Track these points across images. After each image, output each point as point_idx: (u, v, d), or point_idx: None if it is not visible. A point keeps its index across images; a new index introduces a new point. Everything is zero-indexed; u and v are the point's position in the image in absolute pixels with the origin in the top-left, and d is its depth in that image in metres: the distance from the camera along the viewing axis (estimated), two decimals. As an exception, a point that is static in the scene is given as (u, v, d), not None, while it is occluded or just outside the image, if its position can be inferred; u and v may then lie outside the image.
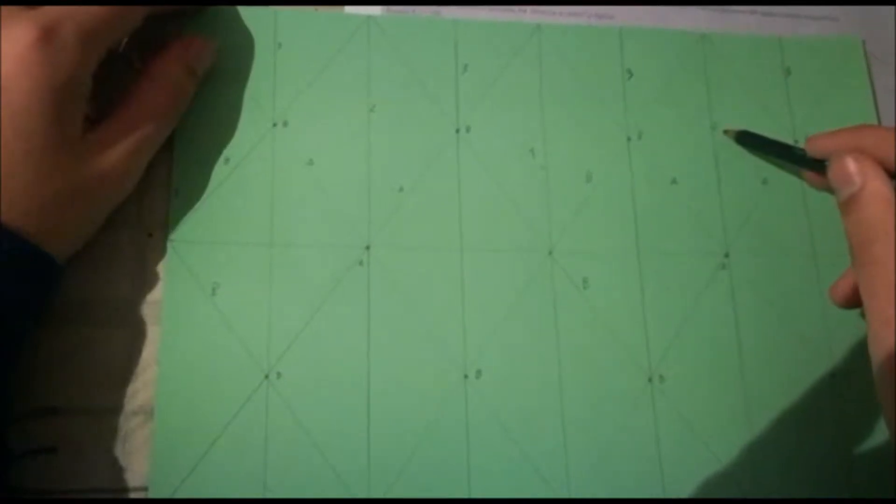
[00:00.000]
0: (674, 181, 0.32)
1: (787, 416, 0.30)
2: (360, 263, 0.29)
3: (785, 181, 0.32)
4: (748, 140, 0.32)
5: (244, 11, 0.31)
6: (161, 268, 0.28)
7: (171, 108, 0.28)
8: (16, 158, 0.24)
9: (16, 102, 0.24)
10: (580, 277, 0.30)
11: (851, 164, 0.26)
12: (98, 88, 0.26)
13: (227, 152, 0.29)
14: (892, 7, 0.36)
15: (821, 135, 0.29)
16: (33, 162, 0.24)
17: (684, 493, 0.28)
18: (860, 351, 0.31)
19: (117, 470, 0.26)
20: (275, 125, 0.30)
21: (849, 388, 0.30)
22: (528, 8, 0.33)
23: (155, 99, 0.27)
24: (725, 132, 0.32)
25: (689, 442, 0.29)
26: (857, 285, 0.26)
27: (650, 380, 0.30)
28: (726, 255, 0.31)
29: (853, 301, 0.29)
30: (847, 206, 0.26)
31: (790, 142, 0.32)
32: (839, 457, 0.30)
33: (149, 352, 0.27)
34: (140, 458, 0.26)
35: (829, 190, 0.28)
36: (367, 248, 0.29)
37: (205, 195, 0.29)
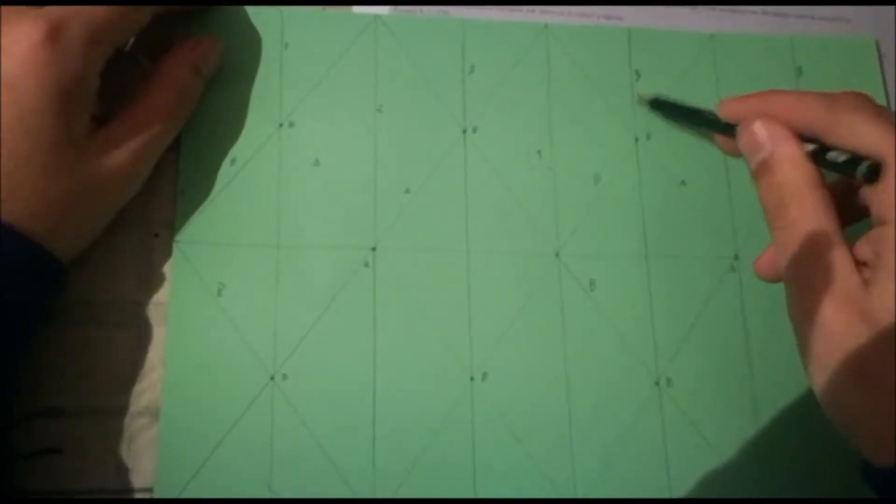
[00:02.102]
0: (682, 183, 0.31)
1: (796, 420, 0.29)
2: (366, 265, 0.29)
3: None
4: (661, 106, 0.31)
5: (251, 11, 0.31)
6: (167, 268, 0.28)
7: (178, 109, 0.28)
8: (22, 157, 0.24)
9: (22, 101, 0.24)
10: (587, 279, 0.30)
11: (760, 130, 0.26)
12: (105, 88, 0.26)
13: (233, 153, 0.29)
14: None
15: (731, 99, 0.28)
16: (39, 161, 0.24)
17: (691, 497, 0.28)
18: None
19: (122, 471, 0.26)
20: (281, 125, 0.30)
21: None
22: (537, 8, 0.33)
23: (162, 99, 0.27)
24: (639, 100, 0.32)
25: (696, 445, 0.29)
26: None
27: (657, 383, 0.29)
28: (736, 258, 0.31)
29: (778, 274, 0.27)
30: (759, 171, 0.26)
31: (702, 107, 0.30)
32: (847, 461, 0.29)
33: (154, 353, 0.27)
34: (145, 459, 0.26)
35: (740, 155, 0.27)
36: (374, 249, 0.29)
37: (211, 196, 0.29)
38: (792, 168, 0.25)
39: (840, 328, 0.22)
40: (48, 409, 0.26)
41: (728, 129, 0.28)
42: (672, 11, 0.34)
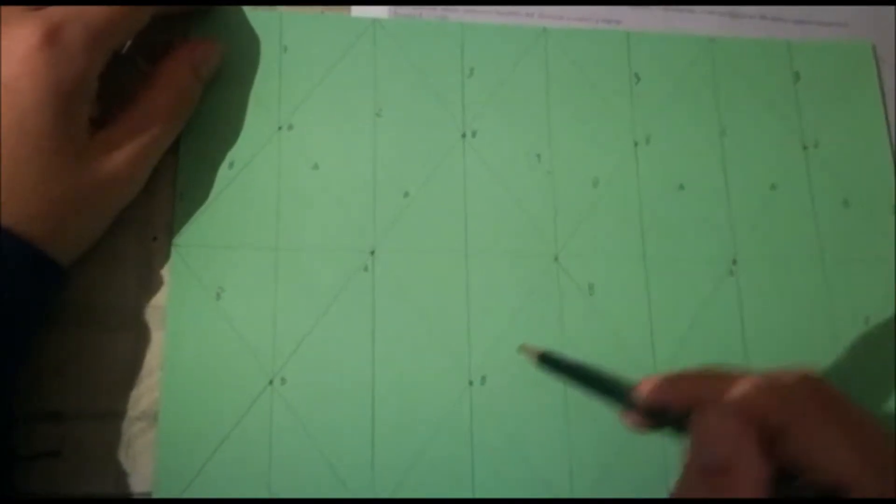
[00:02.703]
0: (681, 186, 0.31)
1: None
2: (366, 268, 0.29)
3: (794, 187, 0.32)
4: (549, 363, 0.25)
5: (250, 14, 0.31)
6: (165, 272, 0.28)
7: (177, 111, 0.28)
8: (21, 160, 0.24)
9: (21, 104, 0.23)
10: (586, 283, 0.30)
11: (719, 429, 0.21)
12: (103, 90, 0.26)
13: (232, 156, 0.29)
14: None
15: (657, 380, 0.23)
16: (38, 164, 0.24)
17: (690, 502, 0.28)
18: (867, 357, 0.30)
19: (121, 475, 0.26)
20: (280, 129, 0.30)
21: (856, 393, 0.30)
22: (535, 12, 0.33)
23: (160, 101, 0.27)
24: (521, 352, 0.26)
25: (695, 450, 0.29)
26: None
27: (656, 387, 0.29)
28: (734, 262, 0.31)
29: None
30: (708, 473, 0.20)
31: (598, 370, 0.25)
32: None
33: (153, 356, 0.27)
34: (144, 462, 0.26)
35: (644, 432, 0.23)
36: (373, 252, 0.29)
37: (210, 199, 0.29)
38: (752, 487, 0.20)
39: None
40: (47, 413, 0.26)
41: (629, 403, 0.23)
42: (670, 15, 0.34)
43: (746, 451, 0.20)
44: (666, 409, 0.22)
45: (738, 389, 0.22)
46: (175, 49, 0.28)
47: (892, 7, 0.36)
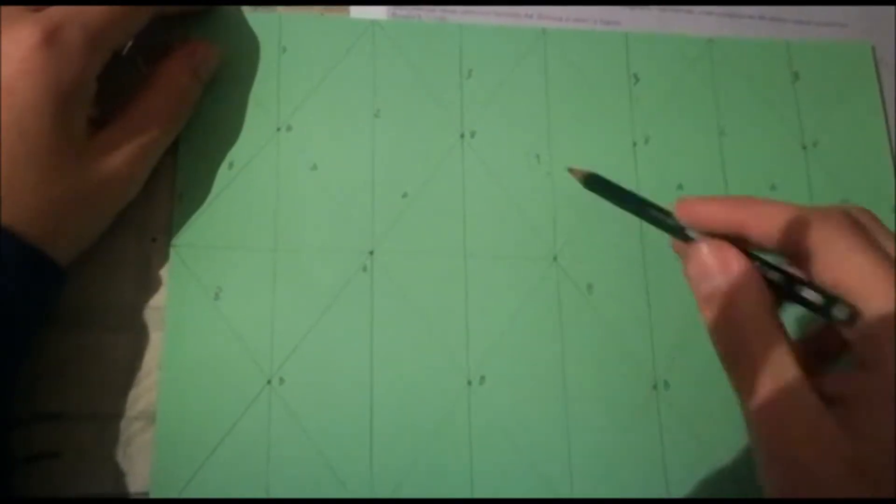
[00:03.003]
0: (680, 186, 0.31)
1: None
2: (364, 269, 0.29)
3: (794, 185, 0.32)
4: (597, 185, 0.27)
5: (249, 15, 0.31)
6: (164, 272, 0.28)
7: (176, 113, 0.28)
8: (19, 161, 0.24)
9: (19, 105, 0.24)
10: (585, 283, 0.30)
11: (713, 256, 0.23)
12: (102, 91, 0.26)
13: (230, 157, 0.29)
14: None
15: (691, 199, 0.25)
16: (37, 165, 0.24)
17: (689, 500, 0.28)
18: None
19: (119, 475, 0.26)
20: (279, 130, 0.30)
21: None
22: (534, 13, 0.33)
23: (159, 103, 0.27)
24: (570, 171, 0.27)
25: (694, 449, 0.29)
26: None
27: (655, 387, 0.29)
28: (733, 262, 0.31)
29: None
30: (709, 300, 0.23)
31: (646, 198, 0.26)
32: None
33: (151, 357, 0.27)
34: (141, 463, 0.26)
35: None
36: (371, 253, 0.29)
37: (208, 200, 0.29)
38: (750, 300, 0.22)
39: (829, 479, 0.20)
40: (45, 413, 0.26)
41: (674, 229, 0.24)
42: (669, 16, 0.34)
43: (741, 277, 0.22)
44: (699, 227, 0.24)
45: (754, 210, 0.23)
46: (174, 50, 0.28)
47: (892, 7, 0.36)
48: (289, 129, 0.30)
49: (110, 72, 0.26)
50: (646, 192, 0.31)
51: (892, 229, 0.31)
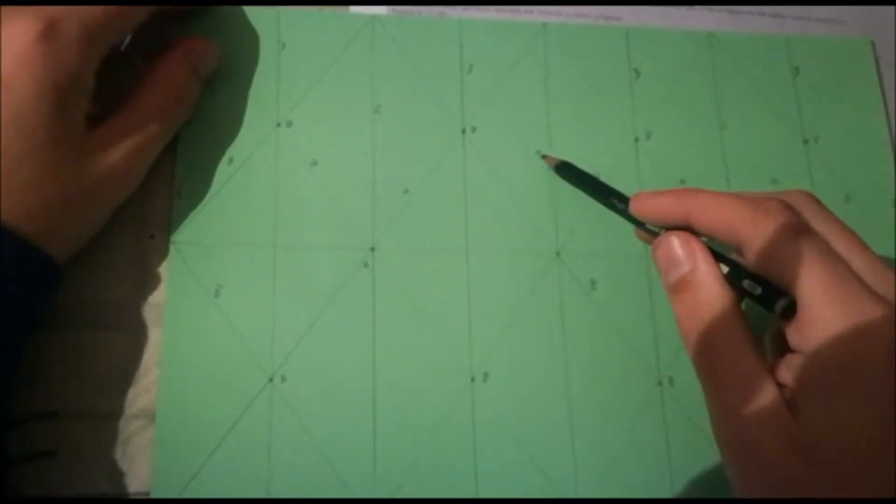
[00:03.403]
0: (682, 181, 0.31)
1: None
2: (365, 265, 0.29)
3: (795, 180, 0.32)
4: (568, 173, 0.29)
5: (248, 11, 0.30)
6: (163, 269, 0.28)
7: (175, 110, 0.28)
8: (17, 157, 0.23)
9: (17, 100, 0.23)
10: (588, 279, 0.30)
11: (678, 247, 0.24)
12: (101, 87, 0.26)
13: (230, 153, 0.29)
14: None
15: (645, 195, 0.26)
16: (34, 160, 0.24)
17: (694, 497, 0.28)
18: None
19: (117, 475, 0.26)
20: (279, 125, 0.30)
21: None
22: (535, 8, 0.33)
23: (158, 100, 0.27)
24: (544, 157, 0.30)
25: (699, 446, 0.28)
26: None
27: (660, 383, 0.29)
28: (736, 257, 0.31)
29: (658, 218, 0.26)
30: (676, 288, 0.24)
31: (611, 187, 0.28)
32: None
33: (150, 355, 0.27)
34: (141, 462, 0.26)
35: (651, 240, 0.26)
36: (372, 249, 0.29)
37: (208, 196, 0.28)
38: (714, 288, 0.23)
39: (779, 461, 0.21)
40: (43, 412, 0.26)
41: (637, 221, 0.26)
42: (670, 11, 0.34)
43: (700, 257, 0.24)
44: (649, 220, 0.26)
45: (704, 202, 0.24)
46: (173, 47, 0.28)
47: (892, 7, 0.36)
48: (289, 124, 0.30)
49: (108, 68, 0.26)
50: (648, 187, 0.31)
51: (893, 223, 0.32)
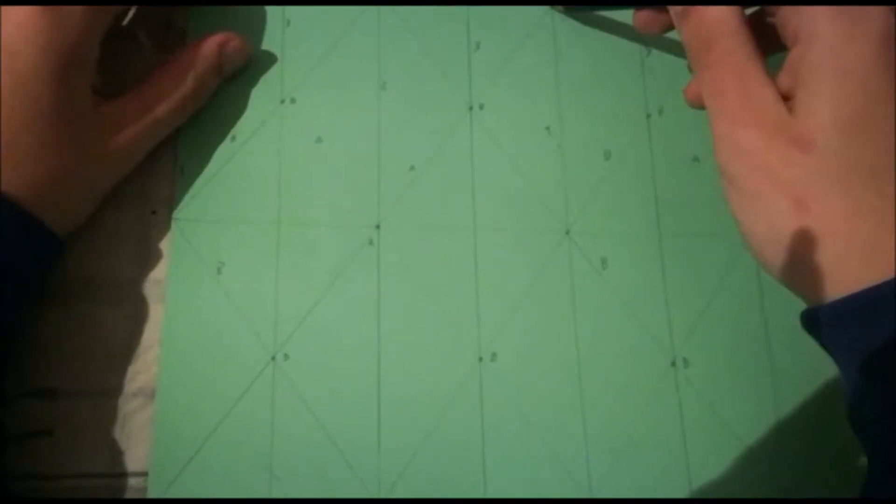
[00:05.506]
0: (696, 158, 0.31)
1: (817, 399, 0.28)
2: (371, 243, 0.28)
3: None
4: (576, 4, 0.31)
5: (252, -13, 0.30)
6: (165, 245, 0.27)
7: (190, 102, 0.27)
8: (20, 126, 0.23)
9: (20, 68, 0.23)
10: (599, 258, 0.29)
11: (706, 12, 0.24)
12: (106, 62, 0.25)
13: (233, 129, 0.29)
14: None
15: None
16: (38, 130, 0.23)
17: (710, 481, 0.27)
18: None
19: (116, 454, 0.25)
20: (283, 102, 0.29)
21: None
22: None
23: (176, 89, 0.26)
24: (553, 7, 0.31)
25: (714, 427, 0.28)
26: None
27: (673, 363, 0.28)
28: (752, 235, 0.30)
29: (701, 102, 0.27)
30: (686, 13, 0.25)
31: None
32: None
33: (150, 332, 0.26)
34: (140, 441, 0.25)
35: (656, 32, 0.28)
36: (378, 227, 0.28)
37: (211, 172, 0.28)
38: (724, 8, 0.24)
39: (773, 159, 0.22)
40: (40, 390, 0.25)
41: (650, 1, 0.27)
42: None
43: (730, 25, 0.24)
44: None
45: None
46: (204, 38, 0.27)
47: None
48: (293, 101, 0.29)
49: (112, 43, 0.26)
50: (660, 165, 0.30)
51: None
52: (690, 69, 0.25)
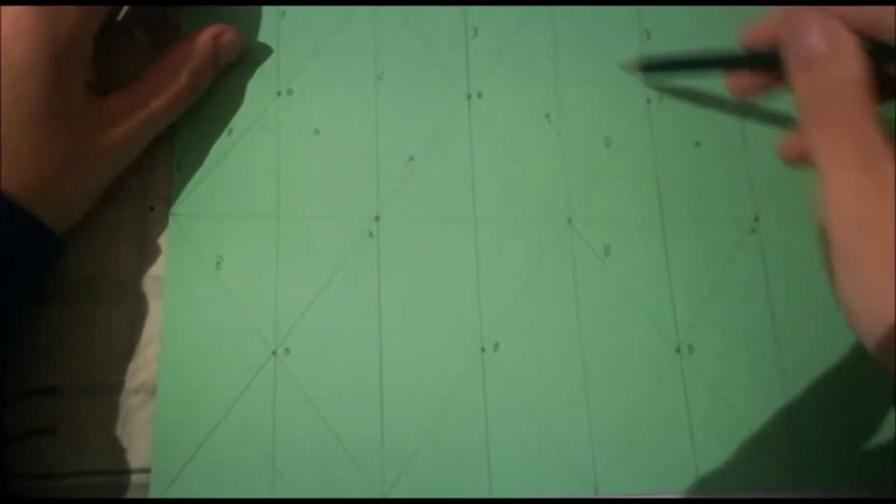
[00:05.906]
0: (697, 144, 0.30)
1: (824, 385, 0.28)
2: (370, 235, 0.28)
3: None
4: (655, 67, 0.29)
5: (247, -21, 0.30)
6: (163, 241, 0.27)
7: (186, 96, 0.27)
8: (15, 124, 0.23)
9: (14, 65, 0.23)
10: (601, 245, 0.29)
11: (813, 22, 0.23)
12: (101, 57, 0.25)
13: (230, 123, 0.28)
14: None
15: (749, 29, 0.26)
16: (33, 127, 0.23)
17: (717, 469, 0.27)
18: None
19: (118, 451, 0.25)
20: (280, 94, 0.29)
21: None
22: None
23: (172, 83, 0.26)
24: (625, 67, 0.30)
25: (721, 414, 0.27)
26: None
27: (678, 350, 0.28)
28: (756, 219, 0.30)
29: (802, 159, 0.26)
30: (805, 63, 0.22)
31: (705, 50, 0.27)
32: (880, 425, 0.28)
33: (150, 328, 0.26)
34: (141, 438, 0.25)
35: (755, 93, 0.26)
36: (377, 218, 0.28)
37: (208, 167, 0.28)
38: (854, 63, 0.22)
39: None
40: (41, 388, 0.25)
41: (744, 60, 0.25)
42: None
43: (840, 37, 0.22)
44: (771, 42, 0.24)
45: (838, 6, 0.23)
46: (199, 32, 0.27)
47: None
48: (290, 93, 0.29)
49: (106, 39, 0.25)
50: (662, 151, 0.30)
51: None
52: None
